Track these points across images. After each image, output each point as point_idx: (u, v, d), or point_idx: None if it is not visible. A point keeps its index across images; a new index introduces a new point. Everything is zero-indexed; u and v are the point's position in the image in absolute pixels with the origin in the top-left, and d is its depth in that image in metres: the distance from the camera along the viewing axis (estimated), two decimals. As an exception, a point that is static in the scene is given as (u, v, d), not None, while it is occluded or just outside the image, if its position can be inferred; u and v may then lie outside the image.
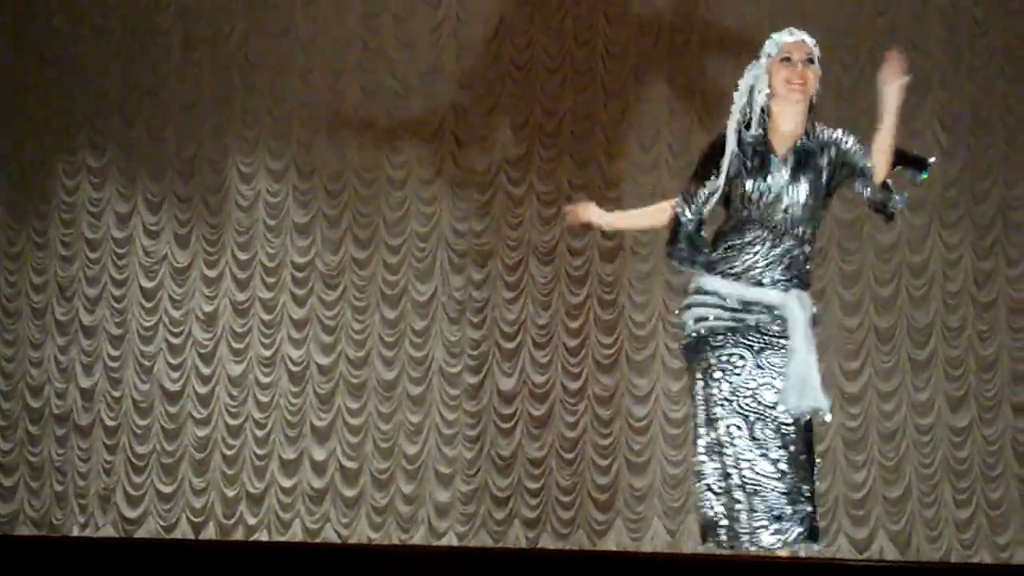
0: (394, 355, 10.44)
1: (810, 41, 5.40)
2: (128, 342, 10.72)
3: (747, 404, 5.21)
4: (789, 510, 5.15)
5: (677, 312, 5.64)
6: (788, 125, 5.36)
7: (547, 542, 10.05)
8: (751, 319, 5.31)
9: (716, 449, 5.24)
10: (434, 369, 10.37)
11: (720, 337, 5.30)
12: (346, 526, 10.31)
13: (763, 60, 5.41)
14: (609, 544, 9.94)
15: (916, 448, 9.93)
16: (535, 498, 10.17)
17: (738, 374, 5.24)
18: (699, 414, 5.30)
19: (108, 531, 10.50)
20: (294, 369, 10.51)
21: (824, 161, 5.45)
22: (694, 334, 5.38)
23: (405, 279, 10.50)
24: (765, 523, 5.15)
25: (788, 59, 5.34)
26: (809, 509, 5.20)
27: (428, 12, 10.64)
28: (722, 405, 5.22)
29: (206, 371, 10.59)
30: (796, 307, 5.27)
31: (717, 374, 5.25)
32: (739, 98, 5.41)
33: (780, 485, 5.15)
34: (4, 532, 10.64)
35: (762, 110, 5.34)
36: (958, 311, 10.03)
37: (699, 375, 5.32)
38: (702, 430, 5.29)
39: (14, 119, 11.01)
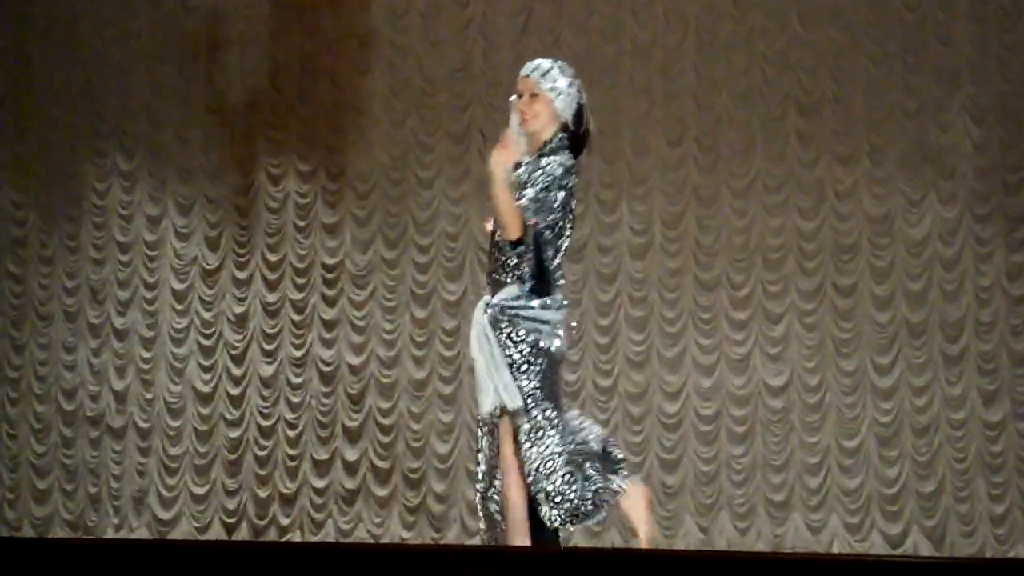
0: (425, 354, 10.46)
1: (535, 75, 5.78)
2: (160, 344, 10.77)
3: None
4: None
5: None
6: (534, 145, 5.72)
7: (579, 540, 10.04)
8: None
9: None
10: (465, 368, 10.38)
11: None
12: (378, 525, 10.33)
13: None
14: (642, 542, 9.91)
15: (949, 443, 9.88)
16: (567, 496, 10.15)
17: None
18: None
19: (142, 533, 10.55)
20: (325, 369, 10.54)
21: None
22: None
23: (435, 278, 10.51)
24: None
25: (520, 95, 5.78)
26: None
27: (455, 11, 10.64)
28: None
29: (237, 372, 10.62)
30: (478, 312, 5.61)
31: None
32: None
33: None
34: (40, 534, 10.70)
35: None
36: (990, 305, 9.98)
37: None
38: None
39: (44, 123, 11.06)
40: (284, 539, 10.33)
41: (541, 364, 5.57)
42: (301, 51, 10.77)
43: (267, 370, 10.59)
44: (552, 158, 5.62)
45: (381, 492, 10.36)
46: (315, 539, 10.24)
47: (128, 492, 10.64)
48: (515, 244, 5.60)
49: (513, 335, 5.57)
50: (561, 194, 5.58)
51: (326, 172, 10.68)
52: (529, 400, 5.52)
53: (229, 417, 10.59)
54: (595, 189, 10.37)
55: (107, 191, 10.96)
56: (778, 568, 3.96)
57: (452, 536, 10.21)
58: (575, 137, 5.70)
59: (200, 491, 10.54)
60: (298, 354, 10.58)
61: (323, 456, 10.44)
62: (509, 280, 5.64)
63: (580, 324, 10.34)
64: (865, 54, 10.19)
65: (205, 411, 10.62)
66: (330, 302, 10.61)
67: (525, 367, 5.55)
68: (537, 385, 5.55)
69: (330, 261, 10.63)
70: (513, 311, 5.60)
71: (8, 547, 4.89)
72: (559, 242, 5.72)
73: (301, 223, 10.68)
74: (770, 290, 10.18)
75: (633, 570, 3.93)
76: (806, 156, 10.22)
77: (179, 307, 10.78)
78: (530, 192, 5.54)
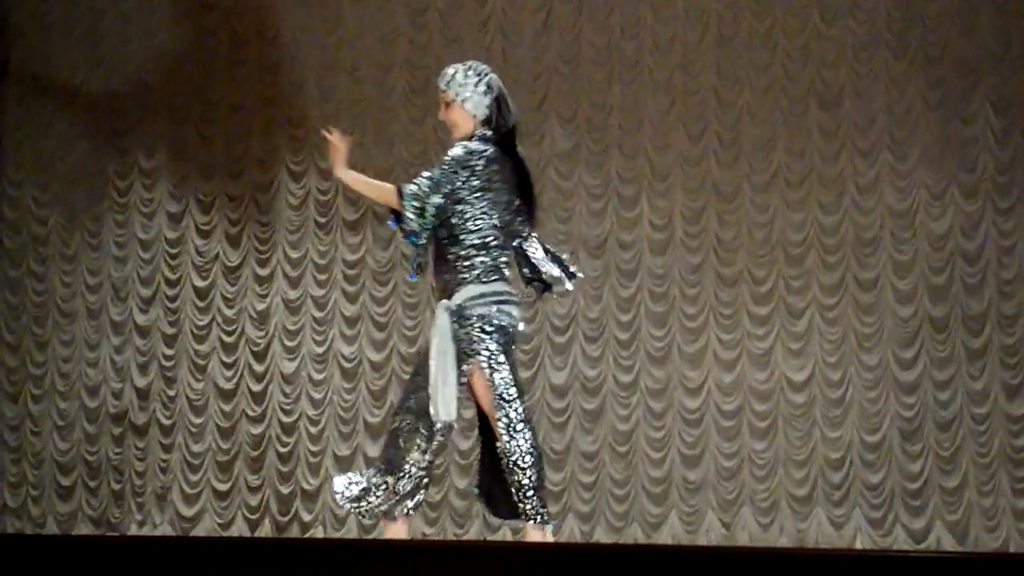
0: (446, 350, 10.44)
1: (443, 84, 5.99)
2: (182, 341, 10.79)
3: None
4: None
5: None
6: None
7: (601, 535, 10.04)
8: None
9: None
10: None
11: None
12: (401, 522, 10.33)
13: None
14: (664, 537, 9.91)
15: (973, 437, 9.85)
16: (588, 492, 10.16)
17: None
18: None
19: (165, 529, 10.59)
20: (347, 366, 10.55)
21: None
22: None
23: (456, 274, 10.50)
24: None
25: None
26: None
27: (475, 8, 10.64)
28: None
29: (259, 369, 10.64)
30: (441, 317, 5.79)
31: None
32: None
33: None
34: (63, 531, 10.74)
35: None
36: (1013, 298, 9.93)
37: None
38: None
39: (65, 121, 11.10)
40: (306, 535, 10.35)
41: (511, 357, 5.80)
42: (321, 48, 10.78)
43: (289, 366, 10.61)
44: (455, 148, 5.87)
45: (403, 488, 10.36)
46: (337, 535, 10.25)
47: (151, 488, 10.67)
48: (409, 235, 5.83)
49: (483, 331, 5.75)
50: (465, 173, 5.81)
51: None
52: (510, 392, 5.76)
53: (251, 413, 10.61)
54: (615, 184, 10.36)
55: (128, 189, 10.99)
56: (801, 563, 3.96)
57: (474, 532, 10.21)
58: (499, 129, 5.93)
59: (223, 487, 10.57)
60: (320, 350, 10.59)
61: (345, 452, 10.45)
62: (461, 279, 5.80)
63: (600, 320, 10.33)
64: (886, 47, 10.15)
65: (227, 408, 10.64)
66: (351, 298, 10.62)
67: (502, 359, 5.76)
68: (512, 378, 5.78)
69: (351, 257, 10.64)
70: (478, 309, 5.77)
71: (33, 545, 4.91)
72: (477, 223, 5.85)
73: (322, 220, 10.69)
74: (792, 285, 10.16)
75: (656, 565, 3.93)
76: (827, 150, 10.19)
77: (201, 304, 10.80)
78: (426, 173, 5.85)
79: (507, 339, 5.79)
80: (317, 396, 10.55)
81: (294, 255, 10.70)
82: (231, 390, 10.67)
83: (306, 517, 10.43)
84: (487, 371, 5.76)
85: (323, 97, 10.75)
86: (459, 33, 10.64)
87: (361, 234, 10.66)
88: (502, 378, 5.75)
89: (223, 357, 10.71)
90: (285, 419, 10.56)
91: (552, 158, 10.46)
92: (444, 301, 5.81)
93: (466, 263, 5.81)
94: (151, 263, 10.90)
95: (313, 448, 10.49)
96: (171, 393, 10.75)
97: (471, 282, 5.78)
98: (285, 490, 10.48)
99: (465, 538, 10.10)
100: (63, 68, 11.10)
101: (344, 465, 10.41)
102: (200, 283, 10.79)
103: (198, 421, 10.68)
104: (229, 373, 10.69)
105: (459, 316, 5.75)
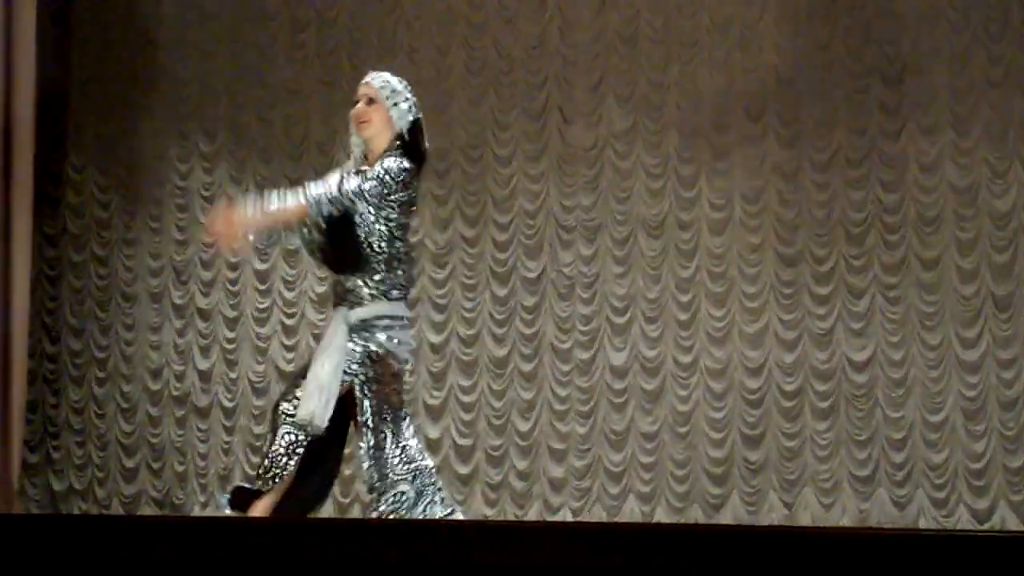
0: (505, 332, 10.47)
1: (376, 82, 5.94)
2: (243, 324, 10.87)
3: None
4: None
5: None
6: (371, 153, 5.95)
7: (662, 516, 10.03)
8: None
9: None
10: (545, 345, 10.38)
11: None
12: (461, 503, 10.37)
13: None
14: (725, 518, 9.89)
15: (1037, 417, 9.75)
16: (649, 472, 10.15)
17: None
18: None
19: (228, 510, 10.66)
20: (406, 348, 10.57)
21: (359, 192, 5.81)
22: None
23: (514, 256, 10.51)
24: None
25: (356, 101, 5.95)
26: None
27: (532, -12, 10.62)
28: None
29: (320, 351, 10.68)
30: (340, 325, 5.77)
31: None
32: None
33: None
34: (128, 512, 10.86)
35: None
36: (1079, 276, 9.82)
37: None
38: None
39: (126, 106, 11.19)
40: (366, 516, 10.39)
41: (397, 383, 5.82)
42: (379, 30, 10.79)
43: (349, 349, 10.63)
44: (392, 159, 5.79)
45: (463, 469, 10.40)
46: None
47: (214, 470, 10.76)
48: (344, 246, 5.76)
49: (372, 356, 5.74)
50: (397, 191, 5.76)
51: (405, 151, 10.69)
52: (375, 421, 5.76)
53: (312, 396, 10.65)
54: (674, 164, 10.32)
55: (189, 173, 11.07)
56: (863, 544, 3.93)
57: (534, 513, 10.23)
58: (411, 150, 5.87)
59: (284, 469, 10.62)
60: (379, 333, 10.62)
61: (405, 434, 10.47)
62: (370, 294, 5.77)
63: (660, 300, 10.29)
64: (948, 23, 10.04)
65: (288, 390, 10.69)
66: (410, 280, 10.63)
67: (375, 387, 5.75)
68: (380, 406, 5.79)
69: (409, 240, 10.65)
70: (378, 332, 5.76)
71: (98, 525, 4.96)
72: (395, 243, 5.81)
73: (381, 202, 10.71)
74: (853, 264, 10.08)
75: (717, 546, 3.92)
76: (889, 128, 10.09)
77: (262, 287, 10.87)
78: (365, 184, 5.74)
79: (398, 364, 5.77)
80: (377, 378, 10.57)
81: (353, 238, 10.72)
82: (292, 373, 10.72)
83: (366, 498, 10.46)
84: (358, 394, 5.74)
85: (381, 80, 10.75)
86: (516, 13, 10.62)
87: (419, 217, 10.67)
88: (371, 405, 5.74)
89: (284, 340, 10.77)
90: (346, 401, 10.60)
91: (610, 138, 10.43)
92: (344, 310, 5.76)
93: (375, 277, 5.77)
94: (212, 246, 10.97)
95: (374, 430, 10.52)
96: (233, 376, 10.83)
97: (378, 298, 5.76)
98: (346, 472, 10.53)
99: (525, 519, 10.12)
100: (124, 54, 11.18)
101: (404, 446, 10.44)
102: (261, 266, 10.86)
103: (260, 404, 10.75)
104: (290, 356, 10.75)
105: (357, 331, 5.73)
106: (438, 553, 3.99)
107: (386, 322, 5.77)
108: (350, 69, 10.81)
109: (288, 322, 10.78)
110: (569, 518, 10.07)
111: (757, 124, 10.26)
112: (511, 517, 10.16)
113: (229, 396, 10.82)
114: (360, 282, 5.77)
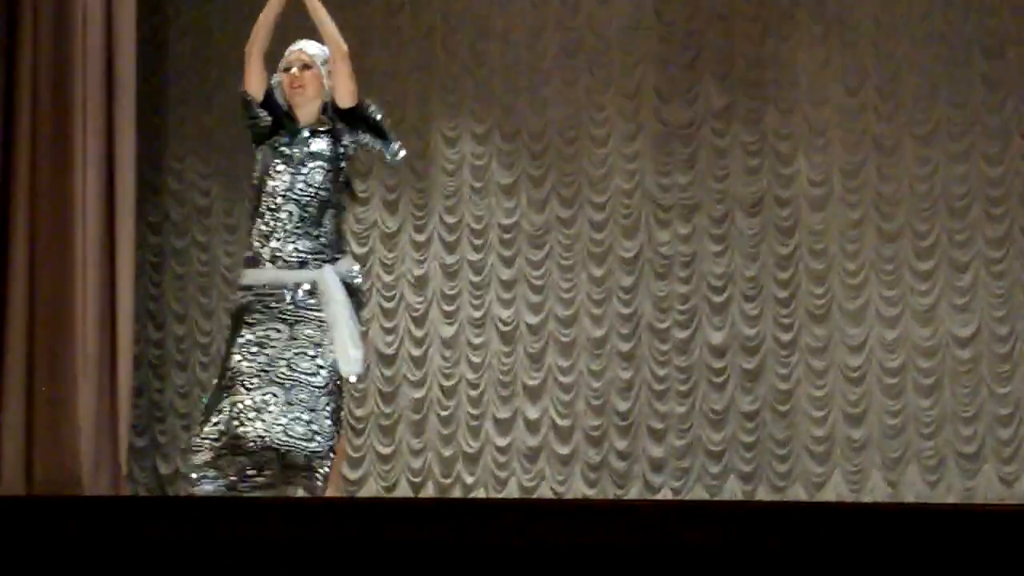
0: (602, 312, 10.46)
1: (312, 49, 6.41)
2: (343, 308, 10.94)
3: (283, 373, 5.98)
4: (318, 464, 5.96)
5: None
6: (305, 119, 6.31)
7: (763, 495, 9.97)
8: (287, 295, 6.09)
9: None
10: (643, 325, 10.36)
11: (256, 315, 6.10)
12: (561, 483, 10.39)
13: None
14: (828, 496, 9.81)
15: None
16: (750, 451, 10.09)
17: (274, 346, 6.01)
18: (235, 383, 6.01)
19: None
20: (504, 329, 10.61)
21: (337, 146, 6.21)
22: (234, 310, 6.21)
23: (611, 236, 10.49)
24: (296, 479, 5.98)
25: (287, 69, 6.34)
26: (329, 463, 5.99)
27: (625, -34, 10.56)
28: (259, 376, 5.95)
29: (419, 334, 10.75)
30: (329, 281, 6.02)
31: (254, 348, 6.00)
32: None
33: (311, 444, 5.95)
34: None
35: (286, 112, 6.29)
36: None
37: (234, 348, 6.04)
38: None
39: (226, 95, 11.29)
40: (469, 496, 10.45)
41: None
42: (473, 13, 10.80)
43: (448, 331, 10.70)
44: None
45: (563, 450, 10.41)
46: (499, 496, 10.34)
47: (316, 453, 10.86)
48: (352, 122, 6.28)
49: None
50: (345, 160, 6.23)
51: (500, 133, 10.72)
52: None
53: (412, 378, 10.74)
54: (771, 141, 10.23)
55: (287, 159, 11.16)
56: (971, 519, 3.88)
57: (635, 492, 10.22)
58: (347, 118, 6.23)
59: (385, 451, 10.72)
60: (477, 315, 10.66)
61: (505, 415, 10.52)
62: (342, 249, 6.18)
63: (759, 278, 10.21)
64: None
65: (388, 372, 10.78)
66: (507, 262, 10.66)
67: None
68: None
69: (507, 221, 10.68)
70: (357, 286, 6.20)
71: (205, 507, 5.04)
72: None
73: (477, 184, 10.75)
74: (955, 239, 9.94)
75: (820, 523, 3.89)
76: (991, 100, 9.92)
77: (360, 271, 10.93)
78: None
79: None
80: (476, 360, 10.62)
81: (450, 220, 10.77)
82: (392, 355, 10.80)
83: (468, 479, 10.53)
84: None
85: (476, 62, 10.78)
86: (610, -7, 10.57)
87: (516, 198, 10.69)
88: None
89: (383, 322, 10.84)
90: (445, 383, 10.66)
91: (707, 116, 10.35)
92: (329, 267, 6.04)
93: (339, 232, 6.14)
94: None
95: (473, 411, 10.58)
96: (333, 358, 10.91)
97: (348, 253, 6.23)
98: (447, 453, 10.60)
99: (625, 498, 10.11)
100: (222, 42, 11.29)
101: (503, 428, 10.49)
102: (359, 250, 10.93)
103: (360, 386, 10.83)
104: (389, 339, 10.82)
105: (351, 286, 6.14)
106: (538, 532, 4.00)
107: (357, 274, 6.36)
108: (444, 52, 10.84)
109: (387, 305, 10.84)
110: (670, 497, 10.04)
111: (855, 98, 10.13)
112: (611, 497, 10.15)
113: (330, 379, 10.91)
114: (328, 236, 6.21)
